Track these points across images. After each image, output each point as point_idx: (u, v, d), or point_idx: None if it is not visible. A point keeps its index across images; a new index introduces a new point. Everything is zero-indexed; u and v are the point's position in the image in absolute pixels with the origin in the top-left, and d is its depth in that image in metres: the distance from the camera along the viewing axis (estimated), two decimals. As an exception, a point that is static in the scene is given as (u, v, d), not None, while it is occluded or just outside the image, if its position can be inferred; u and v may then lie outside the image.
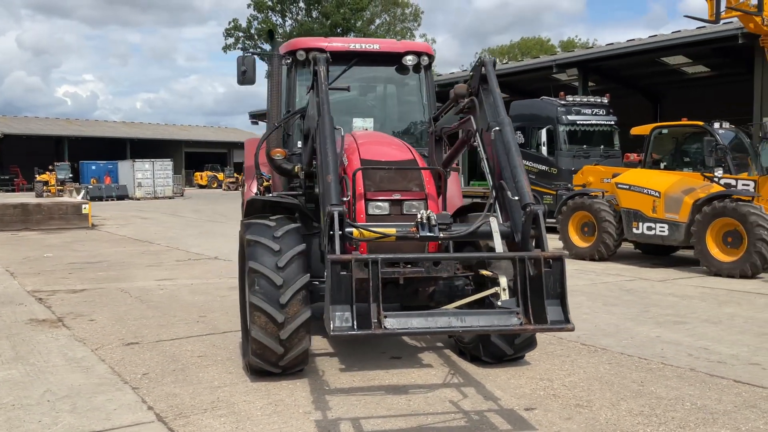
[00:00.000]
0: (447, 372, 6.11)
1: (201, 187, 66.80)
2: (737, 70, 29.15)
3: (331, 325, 4.01)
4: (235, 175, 65.51)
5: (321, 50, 7.23)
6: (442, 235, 4.66)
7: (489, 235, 4.75)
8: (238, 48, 57.26)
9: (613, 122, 20.54)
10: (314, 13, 53.20)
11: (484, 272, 4.79)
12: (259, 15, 55.02)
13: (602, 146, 20.49)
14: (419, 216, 4.68)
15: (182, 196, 50.11)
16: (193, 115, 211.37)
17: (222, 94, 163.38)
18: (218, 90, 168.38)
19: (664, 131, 14.68)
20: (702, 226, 12.28)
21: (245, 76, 7.15)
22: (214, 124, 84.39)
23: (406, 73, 7.60)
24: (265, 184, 7.07)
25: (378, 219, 5.63)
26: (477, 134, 5.39)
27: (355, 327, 4.04)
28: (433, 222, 4.63)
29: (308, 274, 5.68)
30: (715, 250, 12.20)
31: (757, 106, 21.05)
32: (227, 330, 7.84)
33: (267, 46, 56.60)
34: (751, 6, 15.53)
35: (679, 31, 29.43)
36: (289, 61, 7.19)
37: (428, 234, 4.59)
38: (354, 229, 4.71)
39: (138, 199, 45.62)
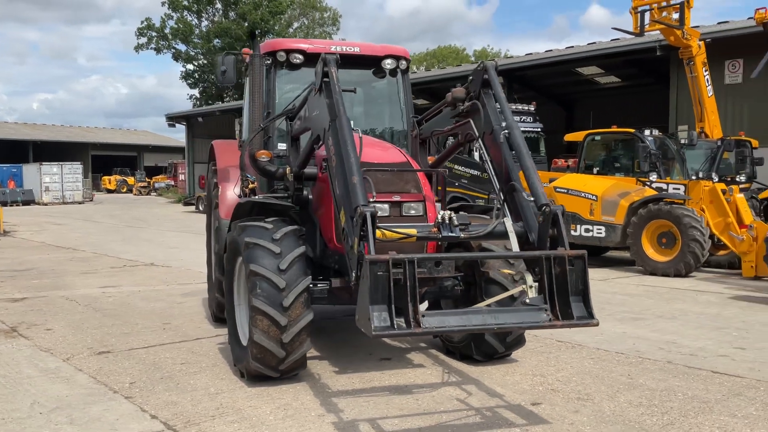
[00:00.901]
0: (441, 371, 6.20)
1: (109, 191, 64.23)
2: (646, 80, 30.83)
3: (372, 325, 4.02)
4: (147, 179, 63.44)
5: (301, 51, 7.23)
6: (463, 235, 4.75)
7: (504, 235, 4.87)
8: (151, 48, 55.50)
9: (539, 129, 21.24)
10: (231, 14, 52.32)
11: (507, 271, 4.90)
12: (174, 14, 53.58)
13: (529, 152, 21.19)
14: (440, 216, 4.74)
15: (92, 201, 48.12)
16: (94, 117, 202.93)
17: (125, 95, 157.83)
18: (121, 91, 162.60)
19: (597, 138, 15.36)
20: (638, 228, 12.94)
21: (225, 76, 7.03)
22: (117, 126, 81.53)
23: (382, 77, 7.65)
24: (251, 186, 6.95)
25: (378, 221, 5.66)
26: (480, 137, 5.51)
27: (395, 326, 4.07)
28: (456, 222, 4.71)
29: (310, 276, 5.65)
30: (650, 251, 12.87)
31: (672, 115, 22.27)
32: (200, 336, 7.64)
33: (182, 47, 55.26)
34: (673, 20, 16.45)
35: (594, 42, 30.81)
36: (269, 62, 7.11)
37: (450, 234, 4.67)
38: (377, 230, 4.72)
39: (45, 204, 43.40)
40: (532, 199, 4.90)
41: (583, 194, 14.03)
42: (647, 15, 16.84)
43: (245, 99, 8.51)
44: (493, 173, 5.35)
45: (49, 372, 6.27)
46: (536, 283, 4.42)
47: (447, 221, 4.68)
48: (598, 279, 12.18)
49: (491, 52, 67.63)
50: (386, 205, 5.71)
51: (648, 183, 13.52)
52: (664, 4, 16.66)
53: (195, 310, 9.29)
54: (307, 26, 59.44)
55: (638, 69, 28.85)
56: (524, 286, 4.44)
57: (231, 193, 7.67)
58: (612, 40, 29.67)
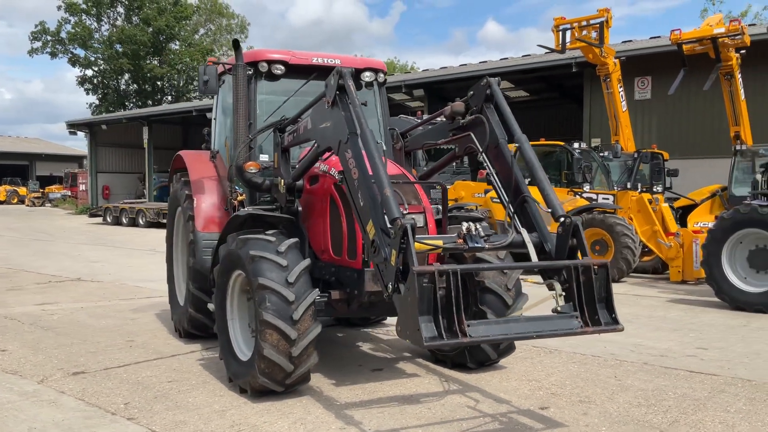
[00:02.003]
0: (439, 380, 6.30)
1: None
2: (553, 95, 32.29)
3: (423, 336, 4.08)
4: (40, 189, 60.13)
5: (283, 62, 7.19)
6: (487, 246, 4.87)
7: (522, 246, 5.03)
8: (46, 52, 52.77)
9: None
10: (135, 19, 50.55)
11: (531, 280, 5.04)
12: (71, 18, 51.18)
13: (454, 163, 21.71)
14: (464, 228, 4.85)
15: (-19, 212, 45.12)
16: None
17: (9, 100, 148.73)
18: (5, 96, 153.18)
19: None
20: (572, 236, 13.52)
21: (207, 86, 6.88)
22: (1, 133, 76.07)
23: (358, 90, 7.70)
24: (240, 198, 6.82)
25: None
26: (483, 151, 5.65)
27: (444, 337, 4.15)
28: (482, 234, 4.84)
29: (317, 289, 5.63)
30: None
31: (586, 128, 23.40)
32: (175, 353, 7.40)
33: (81, 51, 52.90)
34: (593, 39, 17.35)
35: (506, 58, 31.98)
36: (250, 72, 7.03)
37: (476, 245, 4.78)
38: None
39: (-70, 216, 40.37)
40: (549, 210, 5.09)
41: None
42: (568, 33, 17.68)
43: (214, 109, 8.37)
44: (499, 185, 5.50)
45: (29, 395, 5.91)
46: (564, 292, 4.61)
47: (473, 232, 4.79)
48: (537, 286, 12.61)
49: (398, 64, 68.62)
50: (420, 216, 5.76)
51: (582, 193, 14.18)
52: (584, 23, 17.55)
53: (154, 326, 8.98)
54: (214, 32, 58.40)
55: (546, 84, 30.15)
56: (554, 294, 4.61)
57: (207, 205, 7.50)
58: (523, 56, 30.92)
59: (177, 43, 52.86)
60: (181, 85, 55.07)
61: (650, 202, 13.88)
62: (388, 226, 4.57)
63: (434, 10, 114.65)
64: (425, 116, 21.26)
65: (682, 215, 16.35)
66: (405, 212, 4.95)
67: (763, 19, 40.74)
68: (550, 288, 4.69)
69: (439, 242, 4.82)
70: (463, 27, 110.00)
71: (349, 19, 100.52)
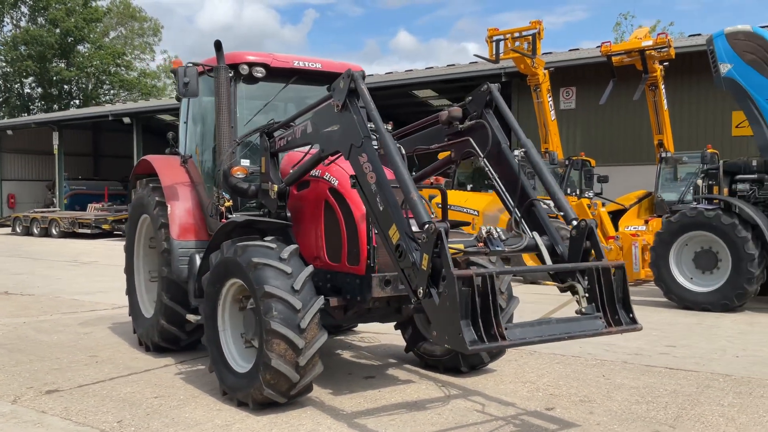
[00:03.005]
0: (435, 385, 6.28)
1: None
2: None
3: (467, 340, 4.06)
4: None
5: (264, 65, 7.03)
6: (507, 249, 4.90)
7: (536, 248, 5.10)
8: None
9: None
10: (40, 20, 48.10)
11: (550, 284, 5.09)
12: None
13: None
14: (483, 231, 4.86)
15: None
16: None
17: None
18: None
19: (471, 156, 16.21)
20: (517, 241, 13.86)
21: (188, 88, 6.63)
22: None
23: (335, 93, 7.61)
24: (227, 204, 6.58)
25: (379, 238, 5.68)
26: (484, 156, 5.68)
27: (485, 340, 4.14)
28: (503, 237, 4.86)
29: (322, 296, 5.51)
30: (530, 262, 13.80)
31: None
32: (148, 368, 7.06)
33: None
34: (526, 49, 17.86)
35: (432, 67, 32.43)
36: (231, 75, 6.83)
37: (498, 249, 4.80)
38: None
39: None
40: (561, 213, 5.18)
41: (464, 209, 14.74)
42: (502, 44, 18.14)
43: (182, 112, 8.08)
44: (503, 190, 5.55)
45: (8, 416, 5.50)
46: (587, 294, 4.70)
47: (494, 236, 4.82)
48: (543, 287, 12.86)
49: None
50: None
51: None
52: (517, 35, 18.06)
53: (112, 340, 8.54)
54: (125, 35, 56.40)
55: (466, 93, 30.72)
56: (577, 297, 4.69)
57: (181, 212, 7.22)
58: (448, 65, 31.48)
59: (86, 45, 50.66)
60: (90, 89, 52.80)
61: (589, 207, 14.37)
62: (416, 230, 4.53)
63: (346, 19, 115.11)
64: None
65: (612, 219, 17.03)
66: (432, 216, 4.92)
67: (671, 33, 42.89)
68: (572, 290, 4.76)
69: (460, 246, 4.81)
70: (375, 36, 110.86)
71: (260, 24, 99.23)
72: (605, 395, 5.93)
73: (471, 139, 5.81)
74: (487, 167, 5.69)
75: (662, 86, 17.05)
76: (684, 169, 18.04)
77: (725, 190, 11.07)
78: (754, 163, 11.01)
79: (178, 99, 8.33)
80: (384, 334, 8.43)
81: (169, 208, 7.19)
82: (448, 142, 6.14)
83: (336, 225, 5.99)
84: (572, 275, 4.87)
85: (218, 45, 6.67)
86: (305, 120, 5.99)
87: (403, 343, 7.26)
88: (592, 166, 18.87)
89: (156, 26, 57.72)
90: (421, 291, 4.46)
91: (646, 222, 15.90)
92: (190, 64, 6.71)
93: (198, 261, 6.89)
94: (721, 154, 16.65)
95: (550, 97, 17.97)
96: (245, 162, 6.86)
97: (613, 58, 16.85)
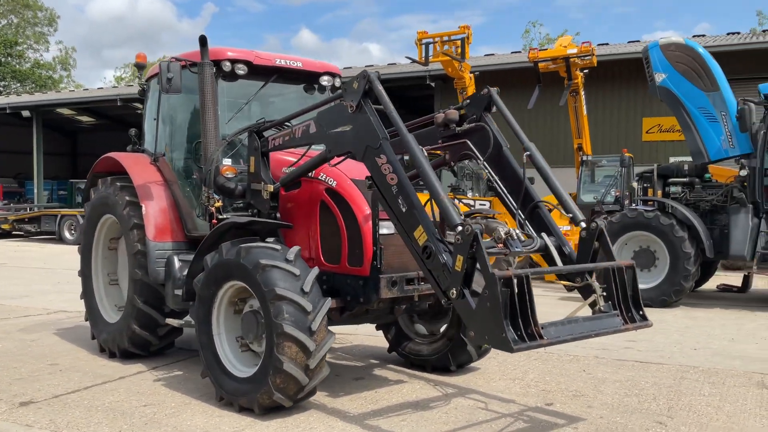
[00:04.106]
0: (428, 384, 6.33)
1: None
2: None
3: (511, 340, 4.15)
4: None
5: (247, 62, 6.88)
6: (525, 250, 5.02)
7: (545, 249, 5.24)
8: None
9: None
10: None
11: (567, 283, 5.22)
12: None
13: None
14: (502, 232, 4.96)
15: None
16: None
17: None
18: None
19: (406, 158, 16.38)
20: (456, 241, 14.15)
21: (172, 84, 6.38)
22: None
23: (311, 94, 7.55)
24: (217, 204, 6.36)
25: (383, 239, 5.70)
26: (485, 158, 5.78)
27: (527, 339, 4.24)
28: (522, 238, 4.98)
29: (329, 298, 5.46)
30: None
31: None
32: (121, 375, 6.73)
33: None
34: (455, 53, 18.24)
35: (350, 67, 32.40)
36: (213, 71, 6.63)
37: (517, 249, 4.91)
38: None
39: None
40: (569, 215, 5.36)
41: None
42: (431, 47, 18.45)
43: (148, 108, 7.77)
44: (505, 192, 5.67)
45: (-9, 433, 5.13)
46: (604, 292, 4.89)
47: (514, 237, 4.93)
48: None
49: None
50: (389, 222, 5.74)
51: (461, 200, 14.86)
52: (446, 38, 18.43)
53: (66, 347, 8.08)
54: (17, 24, 53.06)
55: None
56: (595, 296, 4.87)
57: (157, 212, 6.93)
58: (366, 66, 31.56)
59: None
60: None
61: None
62: (449, 231, 4.57)
63: (246, 14, 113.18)
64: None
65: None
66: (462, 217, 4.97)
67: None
68: (587, 289, 4.93)
69: (482, 247, 4.89)
70: (276, 33, 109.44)
71: (155, 17, 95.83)
72: (595, 389, 6.17)
73: (469, 142, 5.90)
74: (487, 170, 5.80)
75: (583, 92, 17.85)
76: (601, 172, 18.99)
77: (659, 192, 11.75)
78: (686, 167, 11.75)
79: (141, 94, 8.03)
80: (353, 334, 8.42)
81: (143, 209, 6.88)
82: (443, 144, 6.21)
83: (334, 226, 5.94)
84: (581, 275, 5.04)
85: (203, 40, 6.46)
86: (306, 120, 5.90)
87: (377, 344, 7.27)
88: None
89: (52, 16, 54.67)
90: (454, 292, 4.51)
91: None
92: (173, 60, 6.46)
93: (176, 263, 6.67)
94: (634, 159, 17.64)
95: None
96: (227, 161, 6.67)
97: (540, 65, 17.51)
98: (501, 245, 4.91)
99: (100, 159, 7.79)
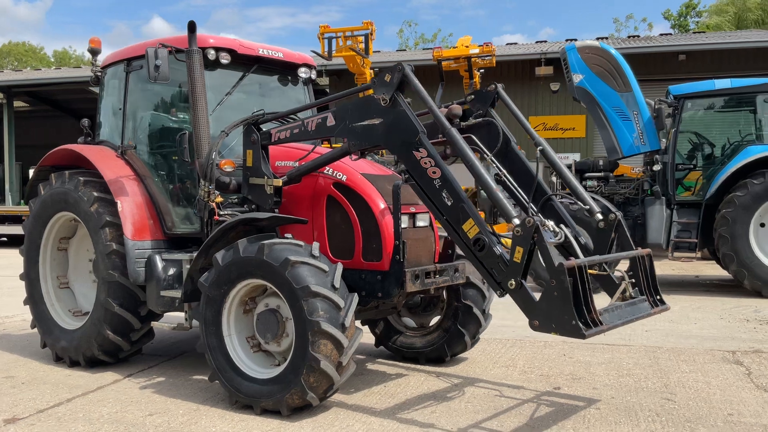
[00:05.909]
0: (431, 376, 6.36)
1: None
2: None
3: (582, 326, 4.30)
4: None
5: (231, 51, 6.62)
6: (555, 240, 5.18)
7: (566, 240, 5.45)
8: None
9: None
10: None
11: (594, 272, 5.41)
12: None
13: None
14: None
15: None
16: None
17: None
18: None
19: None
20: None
21: (160, 72, 5.99)
22: None
23: (285, 85, 7.37)
24: (217, 199, 6.00)
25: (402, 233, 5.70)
26: (492, 153, 5.89)
27: (592, 326, 4.42)
28: (556, 230, 5.14)
29: (355, 293, 5.38)
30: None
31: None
32: (99, 385, 6.24)
33: None
34: (359, 48, 18.30)
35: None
36: (201, 59, 6.28)
37: (551, 240, 5.06)
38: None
39: None
40: (586, 207, 5.59)
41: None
42: (334, 42, 18.41)
43: (102, 98, 7.26)
44: (515, 186, 5.82)
45: (-3, 456, 4.61)
46: (633, 279, 5.17)
47: (550, 229, 5.09)
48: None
49: (73, 54, 62.68)
50: (406, 216, 5.77)
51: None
52: (348, 33, 18.44)
53: (11, 357, 7.37)
54: None
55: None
56: (624, 283, 5.13)
57: (133, 209, 6.48)
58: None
59: None
60: None
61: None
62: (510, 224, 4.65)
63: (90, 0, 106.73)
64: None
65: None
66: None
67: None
68: (609, 279, 5.20)
69: (509, 240, 5.01)
70: (124, 20, 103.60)
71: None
72: (587, 372, 6.49)
73: (474, 137, 6.01)
74: (495, 164, 5.93)
75: (479, 91, 18.48)
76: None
77: (577, 186, 12.44)
78: (601, 162, 12.54)
79: (94, 82, 7.47)
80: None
81: (119, 205, 6.40)
82: (442, 139, 6.27)
83: (345, 220, 5.85)
84: (599, 266, 5.30)
85: (192, 26, 6.11)
86: (322, 113, 5.75)
87: (362, 339, 7.18)
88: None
89: None
90: (513, 283, 4.60)
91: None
92: (161, 45, 6.06)
93: (159, 263, 6.31)
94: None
95: None
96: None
97: (443, 63, 17.95)
98: (536, 236, 5.05)
99: (53, 150, 7.14)
